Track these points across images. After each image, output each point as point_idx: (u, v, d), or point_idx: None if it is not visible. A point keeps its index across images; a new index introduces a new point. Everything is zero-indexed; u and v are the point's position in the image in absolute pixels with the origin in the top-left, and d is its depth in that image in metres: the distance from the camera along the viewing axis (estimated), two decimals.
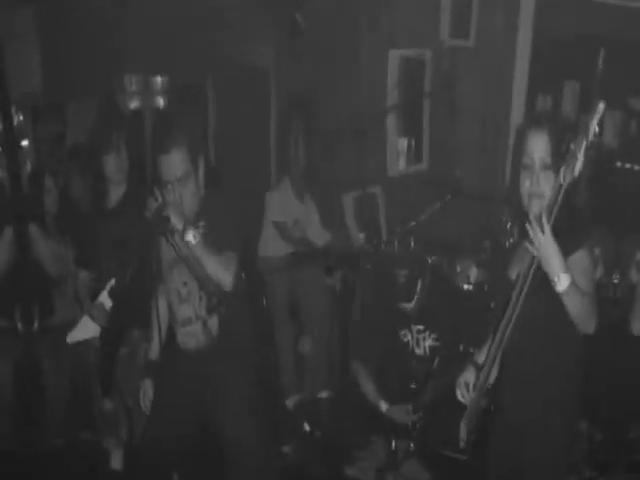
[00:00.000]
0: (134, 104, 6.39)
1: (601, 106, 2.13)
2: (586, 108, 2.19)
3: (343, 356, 4.33)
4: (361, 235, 6.04)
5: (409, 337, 3.76)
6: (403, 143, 6.33)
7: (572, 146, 2.15)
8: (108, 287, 3.58)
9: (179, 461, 3.16)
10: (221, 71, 6.67)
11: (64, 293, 3.92)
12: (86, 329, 3.69)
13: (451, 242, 4.71)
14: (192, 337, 2.98)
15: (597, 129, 2.13)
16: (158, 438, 2.98)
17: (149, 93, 6.46)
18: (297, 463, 4.17)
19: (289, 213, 4.94)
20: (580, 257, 2.33)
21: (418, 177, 5.92)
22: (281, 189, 5.02)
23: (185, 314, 2.99)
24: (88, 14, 5.44)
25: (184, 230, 2.77)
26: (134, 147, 3.82)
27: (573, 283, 2.20)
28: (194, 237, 2.78)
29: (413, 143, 6.25)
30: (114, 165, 3.60)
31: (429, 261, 4.02)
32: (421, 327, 3.73)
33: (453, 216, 5.33)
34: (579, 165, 2.14)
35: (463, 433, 2.66)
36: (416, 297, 3.70)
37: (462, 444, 2.67)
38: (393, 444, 3.69)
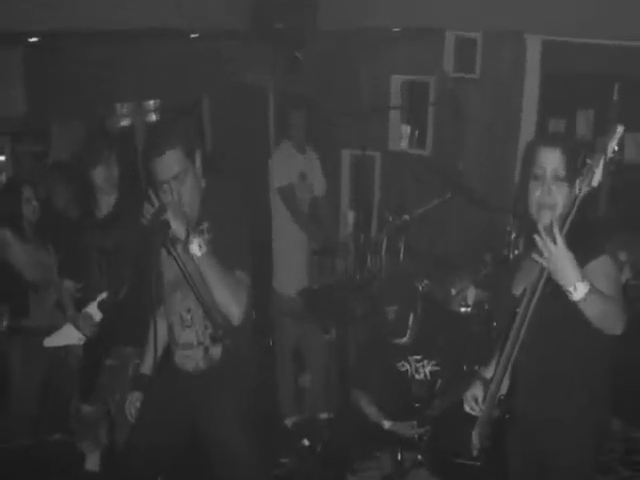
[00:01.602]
0: (124, 123, 6.47)
1: (620, 129, 2.12)
2: (602, 132, 2.19)
3: (343, 386, 4.33)
4: (350, 214, 6.14)
5: (407, 367, 3.75)
6: (406, 129, 6.31)
7: (589, 161, 2.13)
8: (98, 299, 3.54)
9: (165, 468, 3.09)
10: (217, 91, 6.79)
11: (43, 298, 3.94)
12: (67, 336, 3.67)
13: (445, 255, 4.65)
14: (192, 360, 2.90)
15: (616, 148, 2.12)
16: (143, 445, 2.92)
17: (140, 112, 6.57)
18: (296, 472, 4.14)
19: (293, 169, 4.91)
20: (602, 262, 2.33)
21: (420, 160, 5.91)
22: (282, 148, 5.04)
23: (187, 339, 2.89)
24: (81, 53, 5.48)
25: (187, 237, 2.57)
26: (124, 157, 3.78)
27: (592, 290, 2.16)
28: (199, 247, 2.57)
29: (417, 132, 6.25)
30: (104, 176, 3.54)
31: (420, 288, 3.98)
32: (418, 357, 3.71)
33: (451, 222, 5.29)
34: (597, 177, 2.12)
35: (476, 441, 2.64)
36: (409, 332, 3.66)
37: (475, 452, 2.66)
38: (399, 455, 3.64)
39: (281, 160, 4.90)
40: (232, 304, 2.66)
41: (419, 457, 3.54)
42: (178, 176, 2.67)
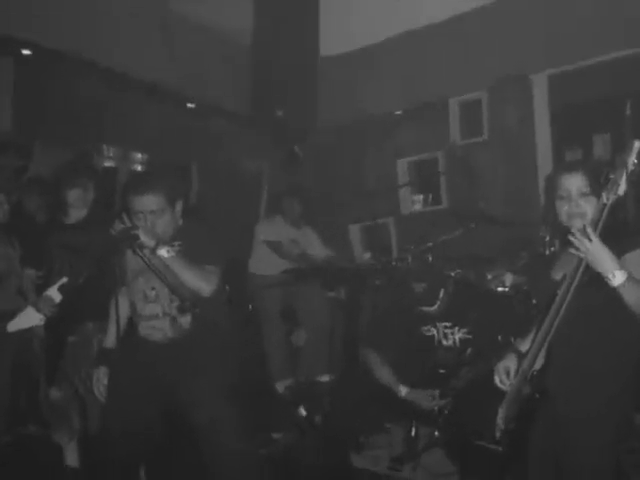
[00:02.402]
0: (109, 164, 6.55)
1: (637, 144, 2.25)
2: (620, 150, 2.32)
3: (349, 345, 4.12)
4: (367, 255, 6.06)
5: (434, 332, 3.55)
6: (419, 197, 6.43)
7: (612, 176, 2.28)
8: (59, 284, 3.59)
9: (145, 452, 2.99)
10: (207, 164, 6.86)
11: (5, 287, 3.88)
12: (29, 318, 3.67)
13: (479, 255, 4.66)
14: (158, 331, 2.92)
15: (636, 161, 2.26)
16: (118, 427, 2.85)
17: (126, 159, 6.66)
18: (291, 451, 3.84)
19: (283, 234, 4.89)
20: (638, 254, 2.41)
21: (437, 213, 6.00)
22: (273, 219, 5.00)
23: (151, 312, 2.93)
24: (77, 81, 5.62)
25: (156, 247, 2.71)
26: (102, 187, 4.00)
27: (630, 278, 2.29)
28: (167, 252, 2.73)
29: (430, 196, 6.35)
30: (78, 197, 3.75)
31: (451, 274, 3.85)
32: (448, 324, 3.52)
33: (479, 239, 5.32)
34: (622, 188, 2.27)
35: (501, 421, 2.58)
36: (438, 303, 3.51)
37: (498, 434, 2.58)
38: (413, 431, 3.34)
39: (270, 224, 4.87)
40: (201, 282, 2.79)
41: (436, 434, 3.27)
42: (155, 212, 2.81)
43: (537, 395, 2.49)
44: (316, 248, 4.97)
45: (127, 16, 5.24)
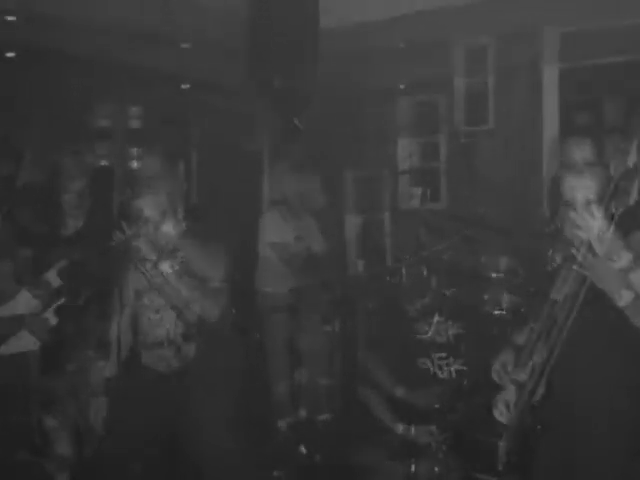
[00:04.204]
0: (103, 162, 6.45)
1: None
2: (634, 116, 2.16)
3: (348, 383, 4.11)
4: (360, 262, 6.05)
5: (429, 364, 3.55)
6: (417, 190, 6.33)
7: (622, 183, 2.22)
8: (55, 305, 3.49)
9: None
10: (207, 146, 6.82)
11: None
12: (22, 342, 3.57)
13: (474, 270, 4.52)
14: (162, 360, 2.85)
15: None
16: (118, 458, 2.80)
17: (121, 155, 6.54)
18: None
19: (287, 231, 4.84)
20: None
21: (434, 213, 5.89)
22: (275, 212, 4.96)
23: (156, 339, 2.86)
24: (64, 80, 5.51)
25: (158, 259, 2.63)
26: (98, 190, 3.85)
27: (638, 297, 2.18)
28: (171, 267, 2.64)
29: (428, 191, 6.26)
30: (74, 203, 3.63)
31: (446, 294, 3.78)
32: (442, 354, 3.52)
33: (475, 249, 5.17)
34: (632, 158, 2.24)
35: (502, 454, 2.52)
36: (433, 328, 3.49)
37: (500, 466, 2.52)
38: (413, 467, 3.33)
39: (273, 222, 4.84)
40: (207, 306, 2.70)
41: (436, 469, 3.24)
42: (155, 217, 2.73)
43: (539, 426, 2.43)
44: (316, 239, 4.95)
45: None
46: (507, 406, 2.50)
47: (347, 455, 3.67)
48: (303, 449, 4.09)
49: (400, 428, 3.41)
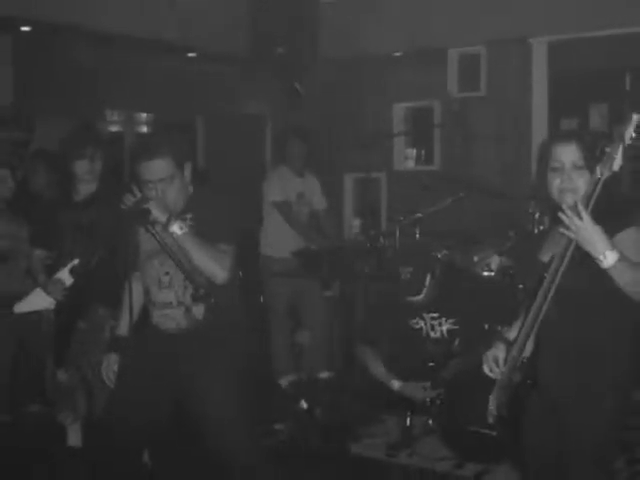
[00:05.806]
0: (114, 129, 6.61)
1: (636, 117, 2.18)
2: (618, 122, 2.26)
3: (346, 343, 4.24)
4: (356, 222, 6.14)
5: (421, 324, 3.63)
6: (412, 151, 6.35)
7: (608, 149, 2.19)
8: (69, 266, 3.56)
9: (150, 439, 3.01)
10: (212, 114, 6.98)
11: (11, 268, 4.00)
12: (37, 301, 3.70)
13: (466, 233, 4.59)
14: (171, 320, 2.86)
15: (633, 135, 2.18)
16: (125, 414, 2.84)
17: (131, 122, 6.71)
18: (293, 440, 3.91)
19: (290, 189, 4.91)
20: (631, 233, 2.34)
21: (428, 173, 5.98)
22: (278, 171, 5.03)
23: (165, 299, 2.86)
24: (75, 51, 5.67)
25: (168, 222, 2.63)
26: (110, 155, 3.92)
27: (622, 259, 2.21)
28: (180, 228, 2.65)
29: (423, 152, 6.32)
30: (86, 169, 3.61)
31: (438, 256, 3.87)
32: (435, 315, 3.60)
33: (468, 211, 5.26)
34: (618, 163, 2.18)
35: (492, 407, 2.56)
36: (425, 290, 3.56)
37: (491, 419, 2.56)
38: (408, 420, 3.48)
39: (277, 181, 4.91)
40: (215, 267, 2.71)
41: (430, 422, 3.41)
42: (164, 180, 2.73)
43: (529, 382, 2.45)
44: (317, 197, 5.06)
45: None
46: (496, 362, 2.52)
47: (346, 410, 3.81)
48: (304, 404, 4.16)
49: (396, 384, 3.53)
